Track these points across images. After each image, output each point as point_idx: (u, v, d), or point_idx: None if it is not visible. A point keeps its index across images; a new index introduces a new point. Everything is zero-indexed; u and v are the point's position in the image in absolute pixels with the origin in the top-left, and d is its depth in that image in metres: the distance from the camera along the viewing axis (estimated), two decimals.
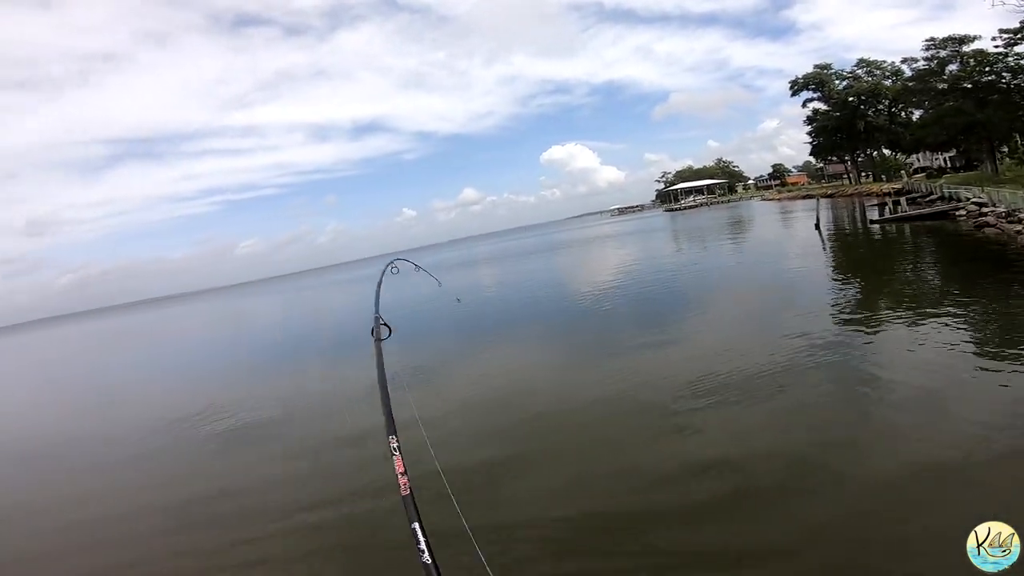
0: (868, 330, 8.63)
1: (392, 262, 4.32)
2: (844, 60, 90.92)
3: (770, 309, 11.29)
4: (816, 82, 50.29)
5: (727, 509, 4.56)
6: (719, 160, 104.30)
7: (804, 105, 51.85)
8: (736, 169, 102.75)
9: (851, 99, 46.97)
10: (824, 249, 18.97)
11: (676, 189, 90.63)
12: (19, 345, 57.79)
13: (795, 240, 23.12)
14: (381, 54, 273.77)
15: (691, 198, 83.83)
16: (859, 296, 11.32)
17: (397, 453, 1.76)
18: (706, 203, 78.50)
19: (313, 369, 14.08)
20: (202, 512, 6.43)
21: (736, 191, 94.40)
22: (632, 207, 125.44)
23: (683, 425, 6.30)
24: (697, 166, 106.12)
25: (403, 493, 1.62)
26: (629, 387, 7.92)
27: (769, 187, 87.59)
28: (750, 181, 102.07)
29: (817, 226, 23.01)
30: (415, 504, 1.55)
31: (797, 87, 51.64)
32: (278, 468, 7.40)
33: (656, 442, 6.09)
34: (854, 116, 46.74)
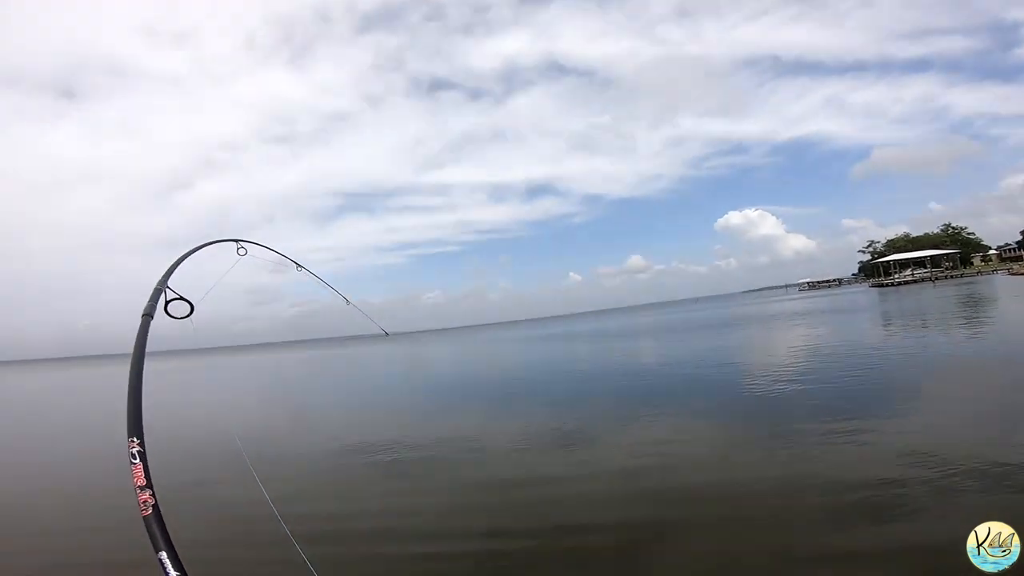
0: None
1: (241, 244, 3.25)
2: None
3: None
4: None
5: None
6: (946, 226, 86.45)
7: None
8: (970, 236, 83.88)
9: None
10: None
11: (888, 261, 76.97)
12: (240, 364, 69.85)
13: None
14: (550, 117, 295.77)
15: (908, 272, 70.22)
16: None
17: (137, 460, 1.44)
18: (929, 278, 64.94)
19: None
20: None
21: (972, 263, 76.64)
22: (826, 281, 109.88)
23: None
24: (916, 233, 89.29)
25: (143, 513, 1.32)
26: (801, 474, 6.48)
27: (1019, 258, 69.31)
28: (991, 251, 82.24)
29: None
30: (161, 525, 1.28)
31: None
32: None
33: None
34: None
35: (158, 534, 1.31)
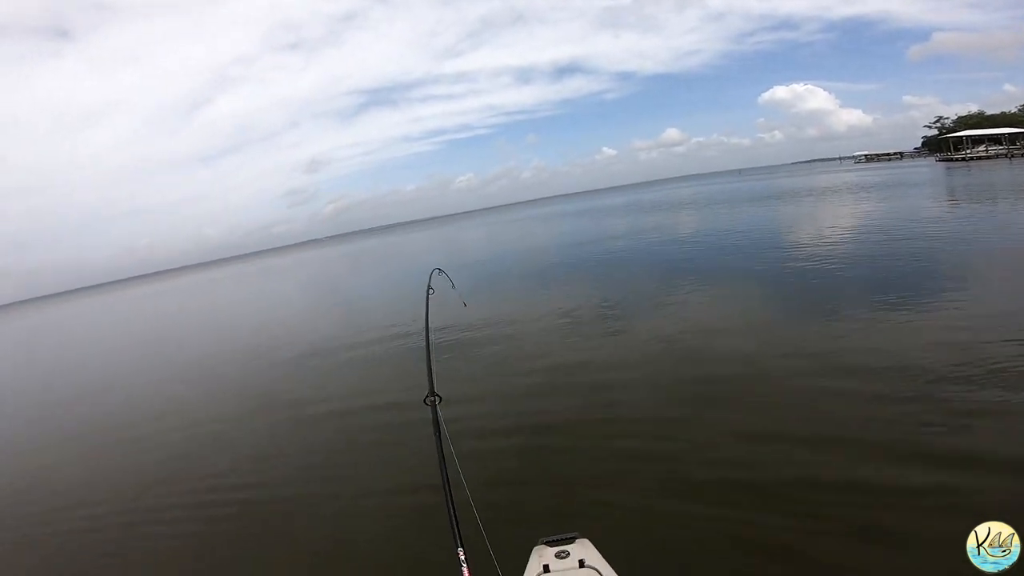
0: None
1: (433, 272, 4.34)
2: None
3: None
4: None
5: None
6: None
7: None
8: None
9: None
10: None
11: (959, 136, 69.32)
12: (292, 264, 72.53)
13: None
14: None
15: (982, 147, 63.45)
16: None
17: (465, 564, 1.65)
18: (1006, 155, 58.74)
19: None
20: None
21: None
22: (886, 154, 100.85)
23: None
24: (991, 111, 78.77)
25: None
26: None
27: None
28: None
29: None
30: None
31: None
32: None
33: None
34: None
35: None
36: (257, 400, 9.17)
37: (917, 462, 4.29)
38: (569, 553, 1.90)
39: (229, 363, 13.18)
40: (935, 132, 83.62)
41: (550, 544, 1.97)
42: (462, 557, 1.65)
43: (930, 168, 56.50)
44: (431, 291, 3.95)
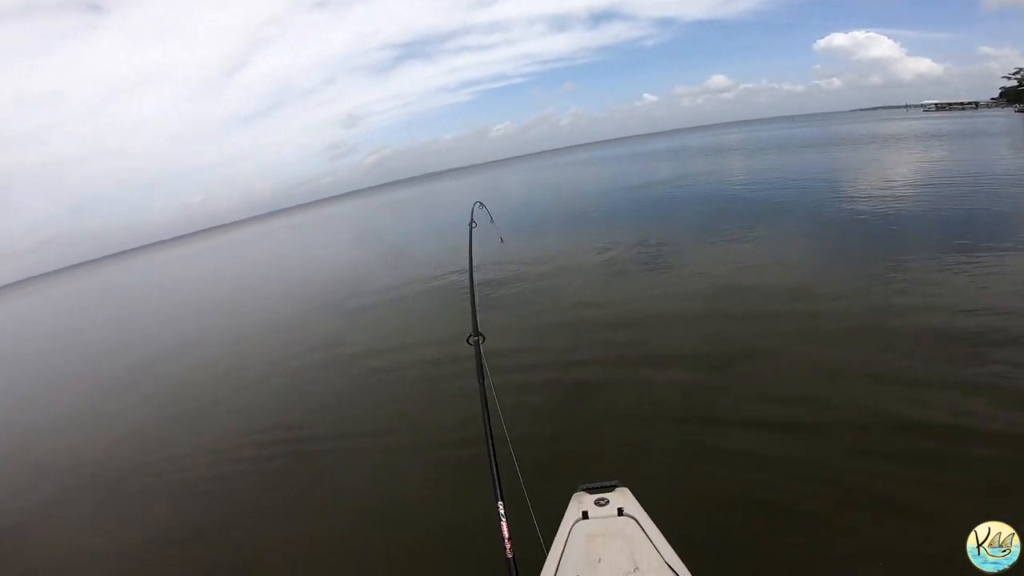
0: None
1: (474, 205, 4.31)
2: None
3: None
4: None
5: None
6: None
7: None
8: None
9: None
10: None
11: None
12: (339, 213, 74.02)
13: None
14: None
15: None
16: None
17: (503, 519, 1.63)
18: None
19: None
20: None
21: None
22: (960, 103, 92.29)
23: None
24: None
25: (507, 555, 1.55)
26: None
27: None
28: None
29: None
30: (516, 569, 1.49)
31: None
32: None
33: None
34: None
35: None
36: (320, 351, 9.42)
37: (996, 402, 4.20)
38: (608, 501, 1.90)
39: (287, 315, 13.37)
40: (1015, 84, 76.11)
41: (589, 491, 1.96)
42: (501, 511, 1.63)
43: (1007, 118, 51.65)
44: (473, 224, 3.87)
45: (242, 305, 16.60)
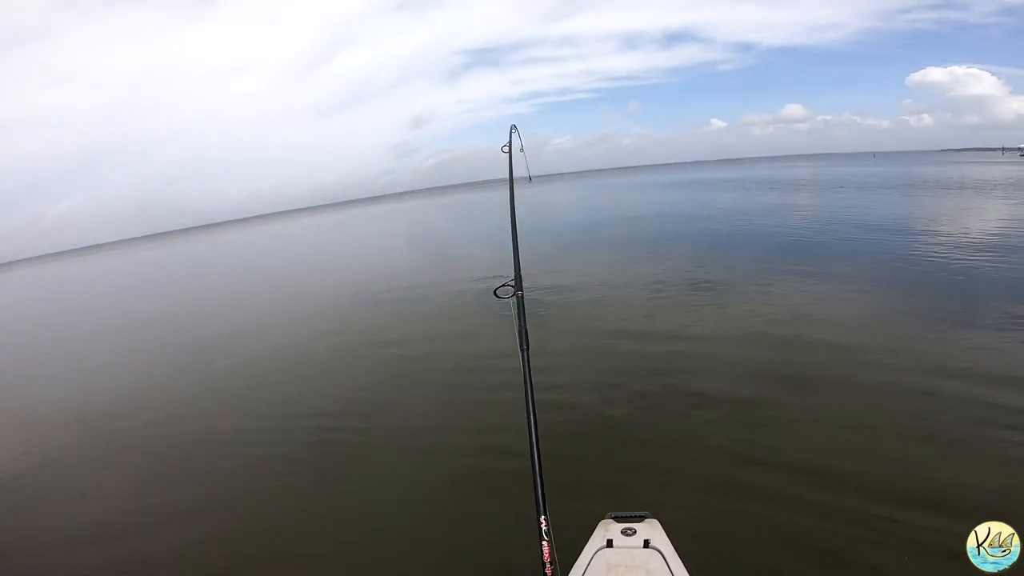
0: None
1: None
2: None
3: None
4: None
5: None
6: None
7: None
8: None
9: None
10: None
11: None
12: (393, 212, 77.47)
13: None
14: None
15: None
16: None
17: (547, 537, 1.49)
18: None
19: None
20: None
21: None
22: None
23: None
24: None
25: None
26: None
27: None
28: None
29: None
30: None
31: None
32: None
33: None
34: None
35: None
36: (362, 336, 10.10)
37: None
38: (636, 531, 1.84)
39: (341, 304, 14.40)
40: None
41: (618, 520, 1.91)
42: (543, 527, 1.50)
43: None
44: (509, 150, 3.45)
45: (313, 287, 17.75)
